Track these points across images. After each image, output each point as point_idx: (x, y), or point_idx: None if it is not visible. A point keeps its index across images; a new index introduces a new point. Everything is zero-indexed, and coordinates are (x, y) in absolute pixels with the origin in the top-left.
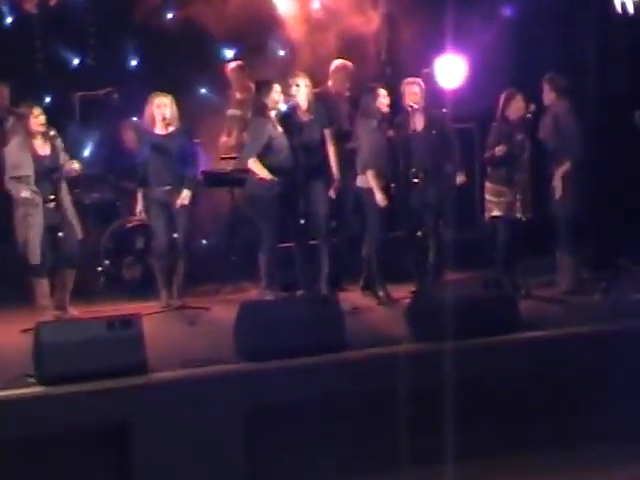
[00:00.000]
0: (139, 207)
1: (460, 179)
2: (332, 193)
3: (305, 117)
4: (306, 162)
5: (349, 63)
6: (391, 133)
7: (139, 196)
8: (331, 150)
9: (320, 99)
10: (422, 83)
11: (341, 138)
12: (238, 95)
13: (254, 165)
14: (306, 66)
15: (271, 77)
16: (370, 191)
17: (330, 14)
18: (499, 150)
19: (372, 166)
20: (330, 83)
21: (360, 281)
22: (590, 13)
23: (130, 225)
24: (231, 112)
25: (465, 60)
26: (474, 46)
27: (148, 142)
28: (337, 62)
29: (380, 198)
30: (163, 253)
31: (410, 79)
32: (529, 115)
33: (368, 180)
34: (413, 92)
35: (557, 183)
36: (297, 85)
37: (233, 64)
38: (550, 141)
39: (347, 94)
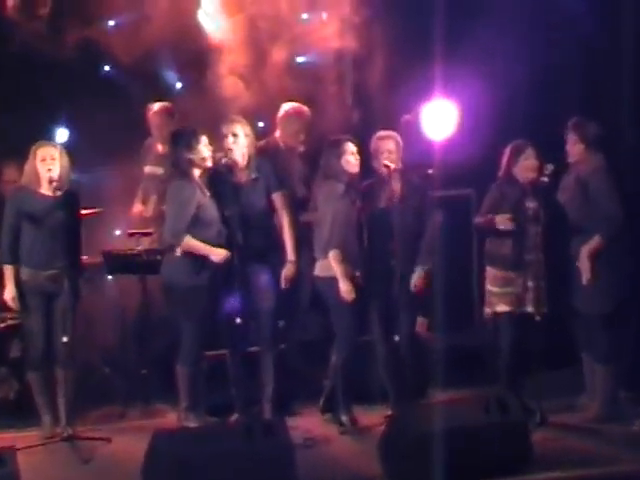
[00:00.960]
0: (9, 294)
1: (418, 277)
2: (282, 282)
3: (244, 178)
4: (245, 239)
5: (304, 107)
6: (359, 203)
7: (8, 280)
8: (283, 222)
9: (265, 154)
10: (399, 138)
11: (293, 207)
12: (160, 148)
13: (191, 244)
14: (247, 110)
15: (197, 124)
16: (332, 280)
17: (281, 42)
18: (502, 221)
19: (336, 246)
20: (278, 133)
21: (319, 401)
22: (625, 40)
23: (2, 325)
24: (149, 170)
25: (458, 105)
26: (470, 87)
27: (26, 207)
28: (287, 106)
29: (346, 289)
30: (41, 363)
31: (384, 132)
32: (544, 179)
33: (330, 265)
34: (387, 149)
35: (583, 266)
36: (234, 135)
37: (157, 106)
38: (574, 209)
39: (301, 148)
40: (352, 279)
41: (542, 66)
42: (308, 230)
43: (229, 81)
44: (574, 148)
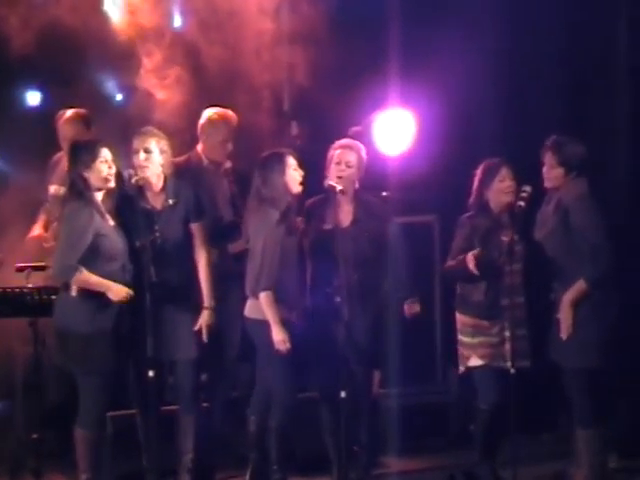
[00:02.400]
0: None
1: (412, 308)
2: (203, 329)
3: (159, 203)
4: (159, 276)
5: (230, 113)
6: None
7: None
8: (199, 260)
9: (186, 173)
10: (363, 152)
11: (219, 237)
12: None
13: (85, 278)
14: (161, 119)
15: (100, 136)
16: (264, 324)
17: (203, 35)
18: (471, 258)
19: (267, 287)
20: (200, 147)
21: (246, 474)
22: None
23: None
24: (54, 191)
25: (416, 115)
26: (431, 96)
27: None
28: (210, 111)
29: (279, 339)
30: None
31: (344, 141)
32: (521, 203)
33: (261, 307)
34: (344, 160)
35: (564, 315)
36: (146, 150)
37: (68, 113)
38: (554, 246)
39: (228, 164)
40: (288, 324)
41: (515, 77)
42: (239, 262)
43: (149, 84)
44: (552, 172)
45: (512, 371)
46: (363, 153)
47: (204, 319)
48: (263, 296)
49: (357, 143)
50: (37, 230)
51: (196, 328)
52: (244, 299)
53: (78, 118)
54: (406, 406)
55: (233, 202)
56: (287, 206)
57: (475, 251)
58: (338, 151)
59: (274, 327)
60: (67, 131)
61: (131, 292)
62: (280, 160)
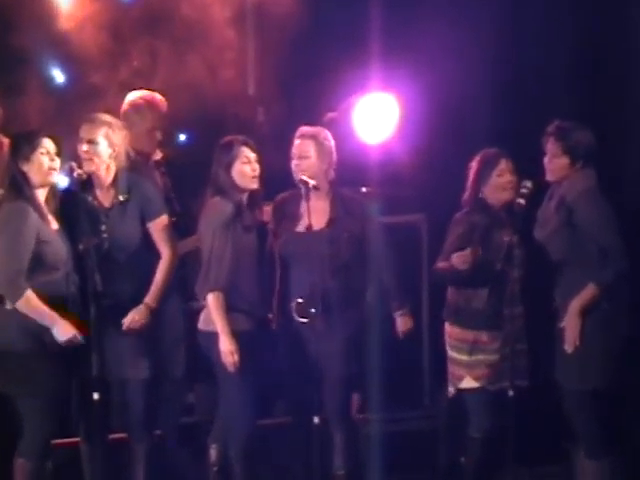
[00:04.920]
0: None
1: (405, 323)
2: (127, 323)
3: (107, 199)
4: (106, 286)
5: (159, 98)
6: (270, 224)
7: None
8: (164, 255)
9: (134, 165)
10: (326, 137)
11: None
12: None
13: (32, 305)
14: (112, 102)
15: (39, 125)
16: (214, 337)
17: (160, 7)
18: (463, 258)
19: (217, 285)
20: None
21: None
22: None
23: None
24: None
25: (400, 100)
26: (418, 76)
27: None
28: (134, 95)
29: (226, 349)
30: None
31: (301, 129)
32: (521, 201)
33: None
34: (299, 151)
35: (570, 327)
36: (90, 142)
37: None
38: (557, 247)
39: (158, 156)
40: (248, 336)
41: (513, 56)
42: (182, 267)
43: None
44: (555, 162)
45: (510, 393)
46: (327, 140)
47: (135, 314)
48: (210, 298)
49: (317, 130)
50: None
51: (125, 324)
52: (182, 310)
53: None
54: (389, 433)
55: (167, 197)
56: (239, 201)
57: (469, 251)
58: (295, 142)
59: (221, 335)
60: None
61: (79, 336)
62: (228, 150)
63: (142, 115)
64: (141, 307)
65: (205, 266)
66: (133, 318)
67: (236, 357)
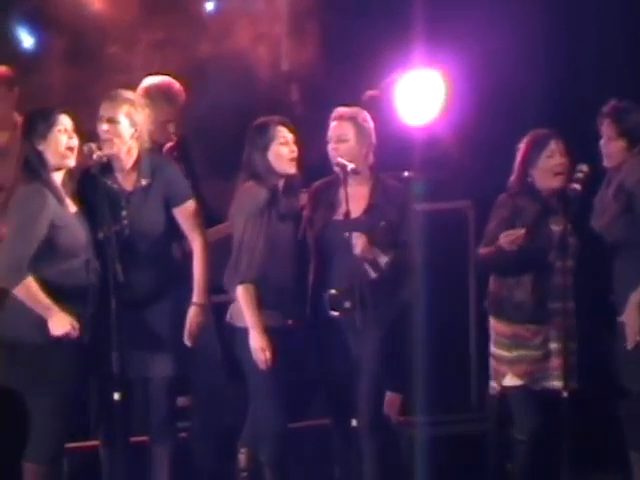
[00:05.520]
0: None
1: None
2: (185, 335)
3: (129, 183)
4: (128, 275)
5: (177, 87)
6: (306, 212)
7: None
8: (195, 244)
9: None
10: (365, 119)
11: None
12: None
13: (31, 292)
14: (135, 79)
15: (56, 103)
16: (245, 333)
17: None
18: (512, 237)
19: (248, 276)
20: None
21: None
22: None
23: None
24: None
25: (447, 77)
26: (466, 51)
27: None
28: (149, 83)
29: (257, 345)
30: None
31: (340, 110)
32: (576, 186)
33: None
34: (335, 134)
35: (631, 322)
36: (110, 120)
37: None
38: (616, 236)
39: (171, 142)
40: (283, 332)
41: (568, 30)
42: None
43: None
44: (611, 145)
45: (564, 394)
46: (366, 122)
47: (194, 316)
48: (240, 290)
49: (356, 110)
50: None
51: (186, 337)
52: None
53: (0, 78)
54: (433, 437)
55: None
56: (275, 186)
57: (519, 230)
58: (332, 124)
59: (252, 330)
60: None
61: (76, 325)
62: (264, 131)
63: (157, 106)
64: (193, 309)
65: (235, 256)
66: (191, 323)
67: (267, 354)
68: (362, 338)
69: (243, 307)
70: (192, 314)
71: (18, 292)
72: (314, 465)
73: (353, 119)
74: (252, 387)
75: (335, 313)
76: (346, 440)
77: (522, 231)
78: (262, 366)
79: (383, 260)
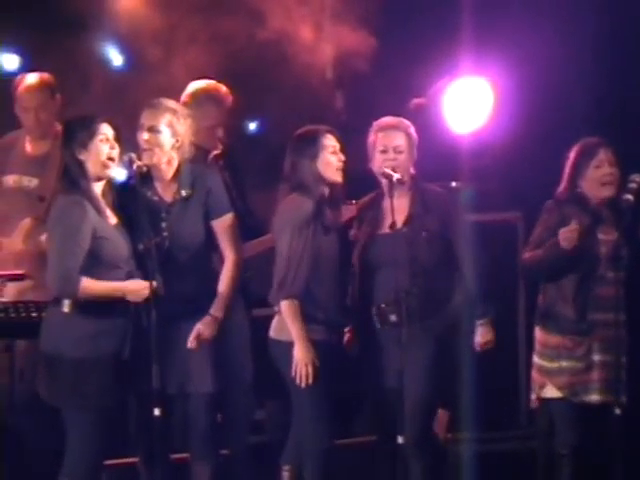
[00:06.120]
0: None
1: (482, 334)
2: (188, 342)
3: (168, 194)
4: (168, 287)
5: (223, 90)
6: (352, 231)
7: None
8: (228, 259)
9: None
10: (412, 130)
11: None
12: (29, 147)
13: (93, 287)
14: (176, 87)
15: (96, 111)
16: (288, 347)
17: None
18: (569, 234)
19: (293, 291)
20: None
21: None
22: None
23: None
24: (14, 181)
25: (494, 85)
26: (514, 58)
27: None
28: (196, 87)
29: (302, 356)
30: None
31: (388, 120)
32: (629, 196)
33: (283, 319)
34: (394, 146)
35: None
36: (151, 129)
37: (30, 79)
38: None
39: (217, 150)
40: (321, 344)
41: (619, 38)
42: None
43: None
44: None
45: (617, 412)
46: (413, 131)
47: (201, 326)
48: (285, 305)
49: (403, 121)
50: None
51: (191, 339)
52: (248, 315)
53: (42, 84)
54: (482, 454)
55: (229, 195)
56: (322, 197)
57: (573, 226)
58: (381, 134)
59: (297, 343)
60: (29, 100)
61: (153, 284)
62: (313, 141)
63: (204, 110)
64: (207, 318)
65: (280, 270)
66: (199, 331)
67: (310, 369)
68: (410, 353)
69: (288, 321)
70: (204, 322)
71: (83, 293)
72: None
73: (406, 129)
74: (296, 402)
75: (383, 327)
76: (391, 458)
77: (576, 226)
78: (305, 380)
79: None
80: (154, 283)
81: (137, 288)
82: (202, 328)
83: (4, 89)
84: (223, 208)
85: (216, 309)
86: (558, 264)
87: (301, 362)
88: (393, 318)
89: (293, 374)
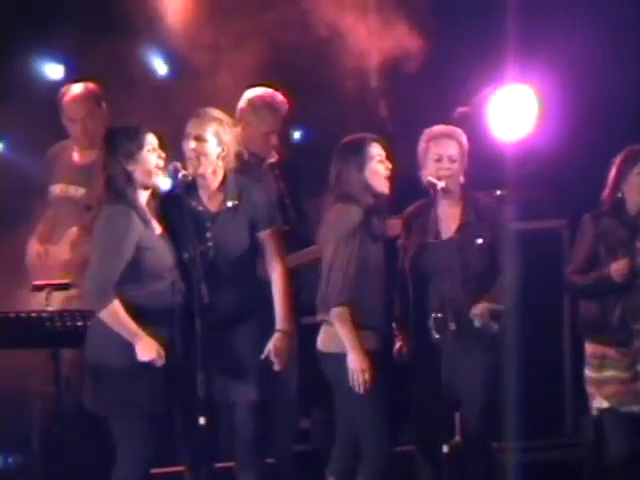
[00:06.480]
0: None
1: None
2: (275, 362)
3: (214, 204)
4: (214, 297)
5: (280, 98)
6: (400, 240)
7: None
8: (276, 271)
9: (246, 167)
10: (464, 139)
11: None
12: (77, 156)
13: (118, 317)
14: (221, 95)
15: (141, 120)
16: (341, 359)
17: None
18: (620, 268)
19: (343, 299)
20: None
21: None
22: None
23: None
24: (61, 191)
25: (539, 91)
26: (559, 66)
27: None
28: (254, 92)
29: (358, 366)
30: None
31: (441, 128)
32: None
33: (337, 334)
34: (448, 155)
35: None
36: (198, 138)
37: (77, 89)
38: None
39: (273, 158)
40: (372, 353)
41: None
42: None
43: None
44: None
45: None
46: (465, 140)
47: (278, 342)
48: (335, 314)
49: (456, 129)
50: (35, 244)
51: (264, 355)
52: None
53: (88, 94)
54: (527, 463)
55: (282, 204)
56: (369, 206)
57: (623, 261)
58: (434, 142)
59: (351, 353)
60: (75, 110)
61: (162, 352)
62: (359, 149)
63: (260, 117)
64: (277, 335)
65: (328, 279)
66: (274, 348)
67: (367, 376)
68: (468, 360)
69: (340, 330)
70: (275, 339)
71: (104, 316)
72: None
73: (458, 138)
74: (350, 412)
75: (439, 336)
76: (435, 467)
77: (628, 261)
78: (361, 388)
79: (494, 328)
80: (161, 353)
81: (147, 347)
82: (275, 344)
83: (50, 98)
84: (269, 220)
85: (281, 323)
86: (606, 290)
87: (358, 370)
88: (452, 327)
89: (350, 383)
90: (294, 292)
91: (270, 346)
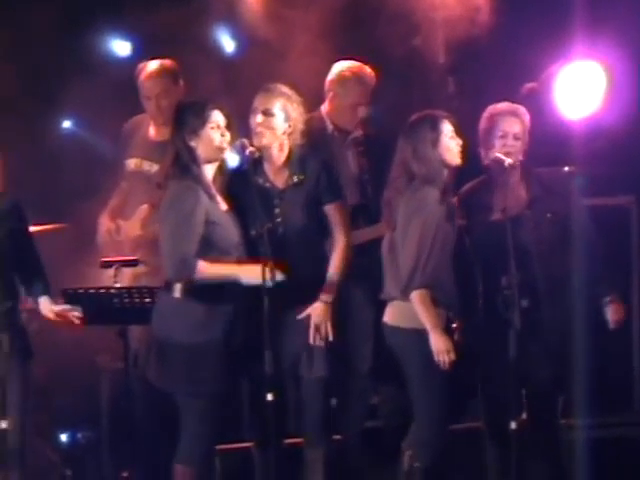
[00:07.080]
0: None
1: (616, 312)
2: (310, 331)
3: (280, 180)
4: (285, 272)
5: (368, 71)
6: (458, 219)
7: None
8: (339, 243)
9: (312, 143)
10: (527, 118)
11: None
12: (153, 132)
13: (210, 271)
14: (288, 74)
15: (210, 94)
16: (415, 335)
17: None
18: None
19: (423, 283)
20: (324, 108)
21: None
22: None
23: None
24: (135, 166)
25: (608, 67)
26: (629, 41)
27: None
28: (343, 66)
29: (442, 347)
30: None
31: (504, 106)
32: None
33: (409, 311)
34: (513, 133)
35: None
36: (265, 113)
37: (152, 66)
38: None
39: (358, 132)
40: (448, 332)
41: None
42: (363, 255)
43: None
44: None
45: None
46: (528, 119)
47: (314, 312)
48: (417, 295)
49: (520, 107)
50: (105, 219)
51: (300, 316)
52: (370, 302)
53: (164, 71)
54: (596, 440)
55: (361, 180)
56: (445, 184)
57: None
58: (499, 119)
59: (434, 333)
60: (150, 88)
61: (266, 270)
62: (433, 126)
63: (347, 88)
64: (317, 305)
65: (409, 261)
66: (313, 320)
67: (452, 355)
68: (534, 338)
69: (421, 310)
70: (315, 310)
71: (199, 276)
72: (468, 467)
73: (522, 116)
74: (420, 388)
75: (509, 314)
76: (503, 443)
77: None
78: (446, 367)
79: None
80: (266, 269)
81: (251, 272)
82: (313, 313)
83: (118, 75)
84: (334, 194)
85: (325, 294)
86: None
87: (443, 351)
88: (524, 304)
89: (425, 365)
90: (365, 267)
91: (306, 312)
